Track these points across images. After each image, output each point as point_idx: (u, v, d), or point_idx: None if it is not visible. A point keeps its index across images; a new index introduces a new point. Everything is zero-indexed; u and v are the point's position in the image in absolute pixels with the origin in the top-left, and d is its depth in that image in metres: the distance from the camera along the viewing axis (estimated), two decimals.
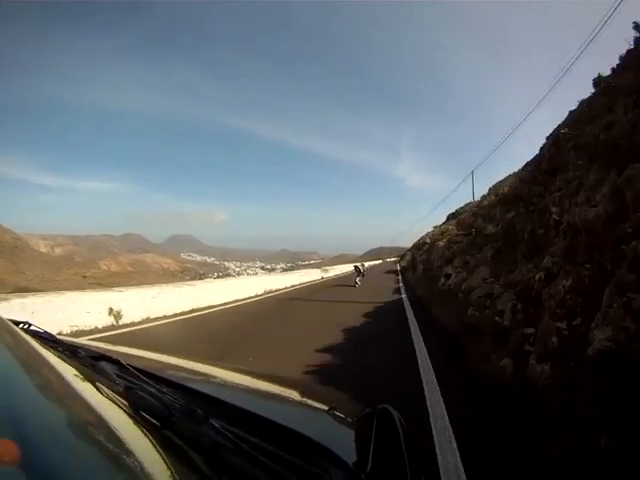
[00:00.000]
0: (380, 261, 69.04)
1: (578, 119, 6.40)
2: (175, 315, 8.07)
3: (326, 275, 24.49)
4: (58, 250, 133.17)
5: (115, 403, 0.77)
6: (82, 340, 1.82)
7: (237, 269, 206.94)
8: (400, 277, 24.18)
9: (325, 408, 1.02)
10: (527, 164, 11.24)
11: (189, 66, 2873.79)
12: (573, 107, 7.63)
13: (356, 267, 18.93)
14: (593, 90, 6.82)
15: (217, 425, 0.67)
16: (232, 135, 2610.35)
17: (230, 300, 10.67)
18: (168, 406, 0.73)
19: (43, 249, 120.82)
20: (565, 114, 8.02)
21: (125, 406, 0.76)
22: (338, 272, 28.16)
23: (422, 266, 19.47)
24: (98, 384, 0.83)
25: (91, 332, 6.06)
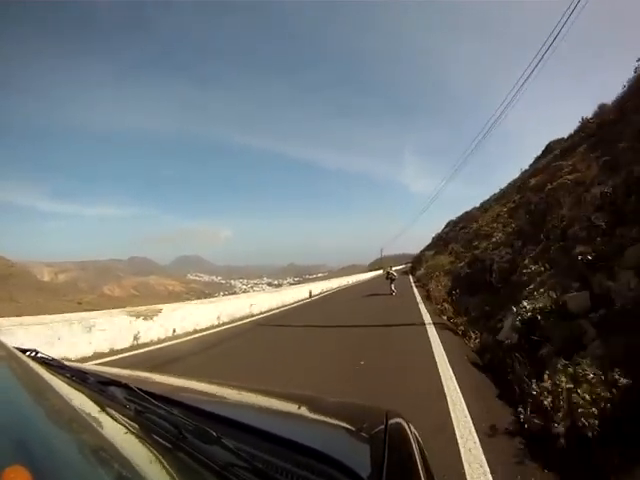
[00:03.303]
0: (371, 274, 45.64)
1: None
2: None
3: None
4: (62, 277, 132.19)
5: (126, 427, 0.76)
6: (90, 365, 1.75)
7: (243, 287, 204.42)
8: None
9: (337, 424, 1.04)
10: None
11: (188, 82, 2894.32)
12: None
13: (388, 274, 17.78)
14: None
15: (230, 445, 0.67)
16: (234, 150, 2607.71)
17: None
18: (179, 428, 0.73)
19: (47, 276, 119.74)
20: None
21: (136, 430, 0.76)
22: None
23: None
24: (108, 409, 0.83)
25: None
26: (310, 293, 18.38)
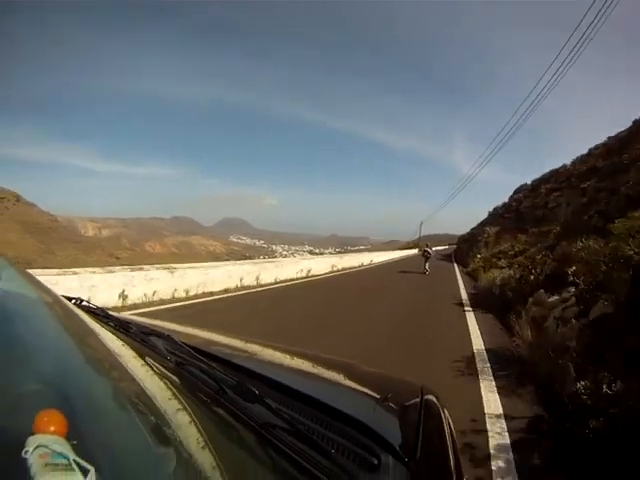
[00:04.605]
0: (404, 253, 38.35)
1: None
2: None
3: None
4: (105, 232, 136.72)
5: (165, 378, 0.76)
6: (133, 316, 1.60)
7: (284, 252, 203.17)
8: None
9: (373, 394, 1.00)
10: None
11: (242, 54, 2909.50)
12: None
13: (425, 252, 17.36)
14: None
15: (272, 404, 0.66)
16: (283, 121, 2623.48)
17: None
18: (220, 383, 0.73)
19: (91, 232, 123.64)
20: None
21: (176, 382, 0.76)
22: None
23: None
24: (148, 359, 0.83)
25: None
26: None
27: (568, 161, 18.80)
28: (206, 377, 0.75)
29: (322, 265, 15.05)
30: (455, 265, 22.94)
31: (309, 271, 13.38)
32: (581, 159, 16.89)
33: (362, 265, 20.38)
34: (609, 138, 15.75)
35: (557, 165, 19.65)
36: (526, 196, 21.44)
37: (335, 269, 16.09)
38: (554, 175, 19.08)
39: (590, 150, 16.62)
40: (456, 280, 14.40)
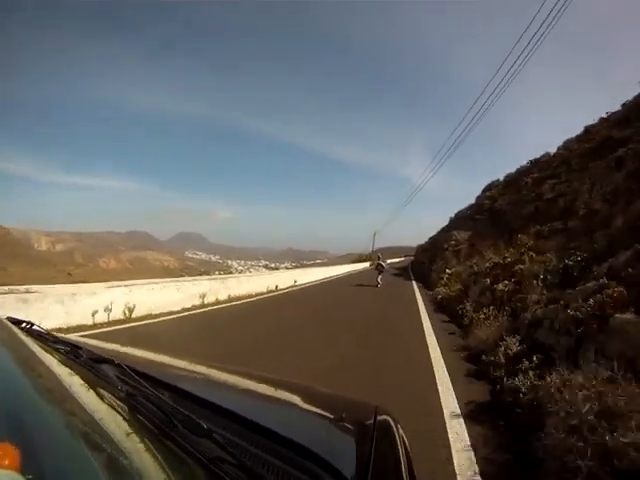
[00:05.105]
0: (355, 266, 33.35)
1: None
2: None
3: None
4: (59, 246, 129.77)
5: (116, 409, 0.75)
6: (84, 339, 1.64)
7: (240, 267, 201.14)
8: None
9: (327, 416, 1.01)
10: None
11: (200, 68, 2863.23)
12: None
13: (378, 265, 17.38)
14: None
15: (219, 439, 0.66)
16: (243, 135, 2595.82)
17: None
18: (170, 416, 0.72)
19: (44, 246, 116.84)
20: None
21: (126, 413, 0.75)
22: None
23: None
24: (99, 389, 0.82)
25: None
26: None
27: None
28: (156, 409, 0.75)
29: (174, 295, 8.57)
30: (415, 286, 17.64)
31: (131, 310, 7.19)
32: (577, 139, 14.99)
33: (276, 289, 13.73)
34: (607, 114, 14.00)
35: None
36: (501, 193, 18.48)
37: (207, 302, 9.52)
38: (537, 164, 16.68)
39: (587, 127, 14.89)
40: (420, 324, 7.91)
